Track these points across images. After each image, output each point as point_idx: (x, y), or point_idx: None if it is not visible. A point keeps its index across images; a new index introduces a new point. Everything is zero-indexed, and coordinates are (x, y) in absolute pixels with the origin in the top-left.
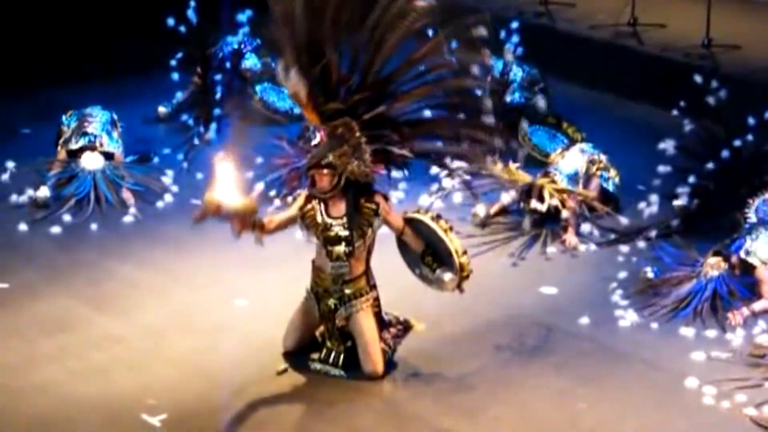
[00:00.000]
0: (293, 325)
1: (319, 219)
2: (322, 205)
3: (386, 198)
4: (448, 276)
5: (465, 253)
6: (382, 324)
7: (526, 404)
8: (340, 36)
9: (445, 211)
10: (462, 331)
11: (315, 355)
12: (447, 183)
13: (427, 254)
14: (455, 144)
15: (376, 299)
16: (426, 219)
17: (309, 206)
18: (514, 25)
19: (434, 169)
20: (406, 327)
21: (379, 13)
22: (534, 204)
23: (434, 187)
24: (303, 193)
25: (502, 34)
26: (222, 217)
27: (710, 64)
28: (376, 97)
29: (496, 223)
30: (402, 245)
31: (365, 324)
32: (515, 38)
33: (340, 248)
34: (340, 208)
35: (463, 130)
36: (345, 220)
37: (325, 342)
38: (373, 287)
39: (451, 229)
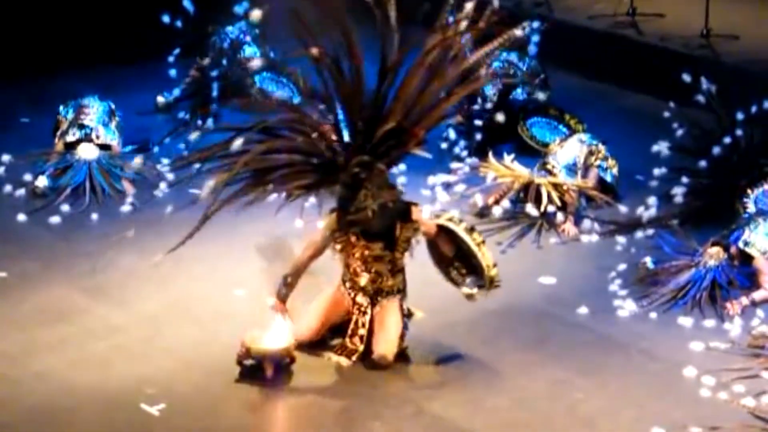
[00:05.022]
0: (314, 314)
1: (354, 240)
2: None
3: (416, 205)
4: (474, 290)
5: (495, 265)
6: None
7: (524, 394)
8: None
9: (447, 202)
10: (460, 320)
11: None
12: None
13: (457, 260)
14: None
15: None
16: (459, 230)
17: (343, 231)
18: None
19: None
20: (408, 316)
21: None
22: (529, 208)
23: (434, 179)
24: (332, 216)
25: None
26: (255, 358)
27: (709, 54)
28: (374, 120)
29: (494, 213)
30: (432, 245)
31: (394, 314)
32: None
33: (382, 266)
34: (377, 229)
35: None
36: (385, 242)
37: (344, 339)
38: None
39: (483, 242)
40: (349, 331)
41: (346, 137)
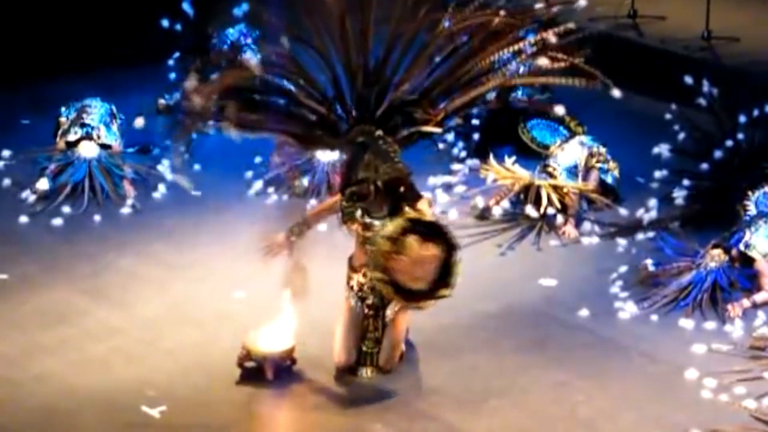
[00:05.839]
0: (345, 336)
1: (358, 216)
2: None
3: (430, 204)
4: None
5: (390, 240)
6: None
7: (525, 396)
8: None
9: (447, 204)
10: (460, 322)
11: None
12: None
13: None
14: (486, 75)
15: None
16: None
17: (349, 202)
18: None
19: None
20: None
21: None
22: (528, 210)
23: (434, 180)
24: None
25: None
26: (255, 361)
27: (710, 56)
28: (380, 88)
29: (494, 215)
30: None
31: (402, 321)
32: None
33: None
34: (382, 208)
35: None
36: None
37: (361, 344)
38: None
39: (406, 230)
40: (365, 334)
41: (351, 105)
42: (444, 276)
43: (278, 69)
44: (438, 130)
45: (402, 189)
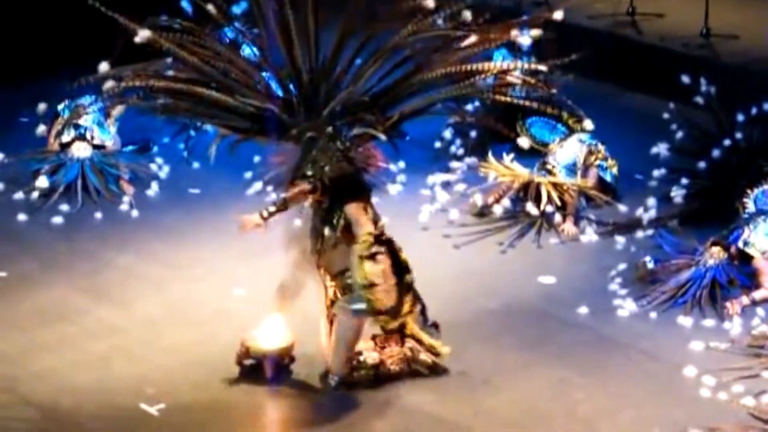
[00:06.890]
0: (326, 344)
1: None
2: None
3: (365, 209)
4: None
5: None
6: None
7: (524, 394)
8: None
9: (447, 202)
10: (460, 320)
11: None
12: (442, 178)
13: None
14: (446, 83)
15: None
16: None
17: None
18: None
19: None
20: (434, 352)
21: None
22: (529, 208)
23: (434, 178)
24: None
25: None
26: (254, 358)
27: (709, 54)
28: (329, 87)
29: (494, 213)
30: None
31: (341, 324)
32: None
33: (314, 244)
34: (323, 203)
35: (437, 61)
36: (322, 217)
37: None
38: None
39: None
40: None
41: (298, 101)
42: (401, 276)
43: (224, 62)
44: (382, 136)
45: (345, 187)
